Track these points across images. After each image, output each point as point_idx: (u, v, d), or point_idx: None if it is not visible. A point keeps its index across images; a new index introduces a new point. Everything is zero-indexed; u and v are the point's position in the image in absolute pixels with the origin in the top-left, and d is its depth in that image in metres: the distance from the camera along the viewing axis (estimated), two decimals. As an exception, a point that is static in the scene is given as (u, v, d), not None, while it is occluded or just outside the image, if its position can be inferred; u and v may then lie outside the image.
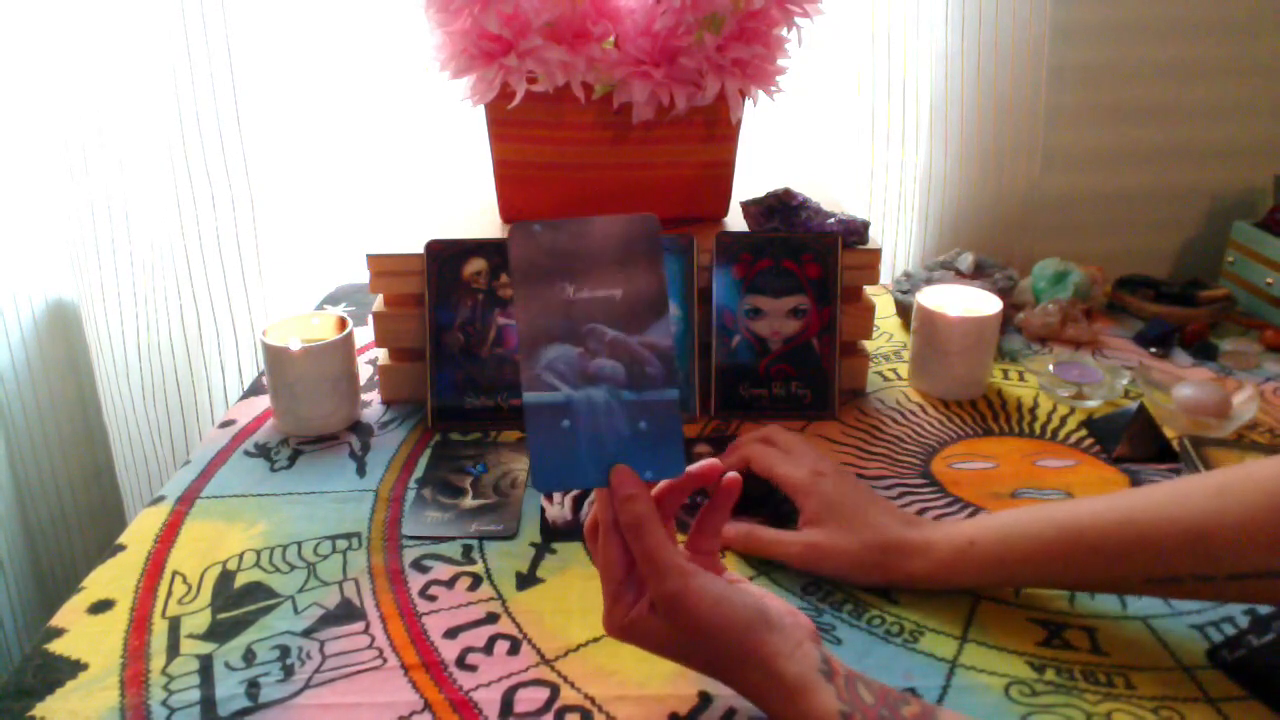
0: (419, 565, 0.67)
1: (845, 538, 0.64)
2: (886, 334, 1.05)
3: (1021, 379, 0.94)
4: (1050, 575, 0.61)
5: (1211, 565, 0.54)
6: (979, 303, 0.90)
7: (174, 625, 0.61)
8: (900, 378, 0.95)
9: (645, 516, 0.49)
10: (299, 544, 0.69)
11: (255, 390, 0.93)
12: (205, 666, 0.57)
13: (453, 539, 0.70)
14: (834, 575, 0.65)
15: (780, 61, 0.85)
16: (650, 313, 0.50)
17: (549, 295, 0.50)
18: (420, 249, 0.83)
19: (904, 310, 1.05)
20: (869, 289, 0.91)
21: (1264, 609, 0.62)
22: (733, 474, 0.54)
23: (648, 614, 0.50)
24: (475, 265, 0.84)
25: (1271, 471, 0.53)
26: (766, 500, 0.71)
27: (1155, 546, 0.55)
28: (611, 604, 0.51)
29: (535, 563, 0.67)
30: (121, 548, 0.69)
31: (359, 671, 0.57)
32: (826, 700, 0.47)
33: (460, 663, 0.58)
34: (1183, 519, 0.55)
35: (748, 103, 0.86)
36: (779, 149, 1.18)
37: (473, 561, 0.67)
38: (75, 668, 0.57)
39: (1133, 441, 0.80)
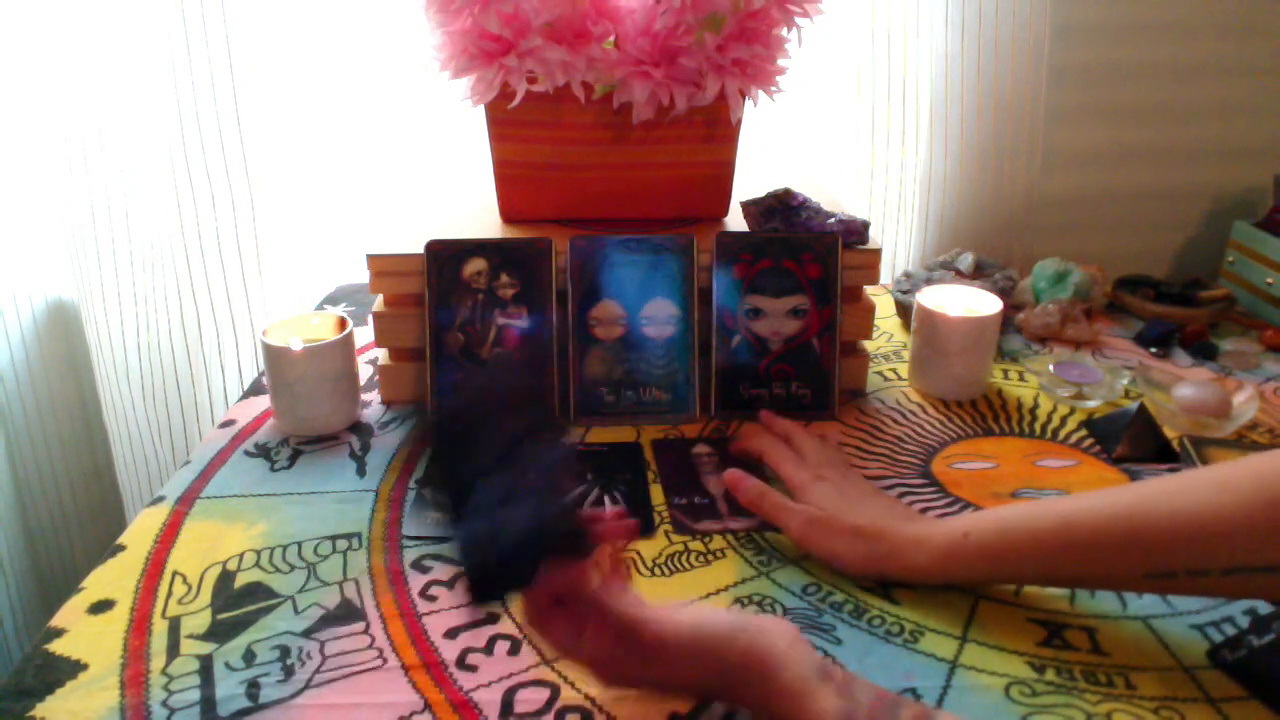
0: (419, 565, 0.67)
1: (842, 519, 0.65)
2: (886, 334, 1.05)
3: (1021, 379, 0.94)
4: (1046, 570, 0.60)
5: (1207, 559, 0.53)
6: (979, 303, 0.90)
7: (174, 625, 0.61)
8: (900, 378, 0.95)
9: (591, 597, 0.52)
10: (299, 544, 0.69)
11: (255, 390, 0.93)
12: (205, 667, 0.57)
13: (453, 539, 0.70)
14: (829, 557, 0.65)
15: (780, 61, 0.84)
16: (552, 437, 0.54)
17: (467, 463, 0.53)
18: (420, 249, 0.83)
19: (904, 310, 1.05)
20: (869, 289, 0.91)
21: (1264, 609, 0.62)
22: (625, 521, 0.57)
23: (635, 662, 0.51)
24: (475, 265, 0.84)
25: (1270, 466, 0.53)
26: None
27: (1152, 540, 0.55)
28: (583, 657, 0.52)
29: (535, 563, 0.67)
30: (121, 548, 0.69)
31: (359, 672, 0.57)
32: (825, 702, 0.47)
33: (460, 663, 0.58)
34: (1181, 513, 0.54)
35: (748, 103, 0.86)
36: (779, 149, 1.18)
37: (473, 561, 0.67)
38: (75, 668, 0.57)
39: (1133, 441, 0.80)
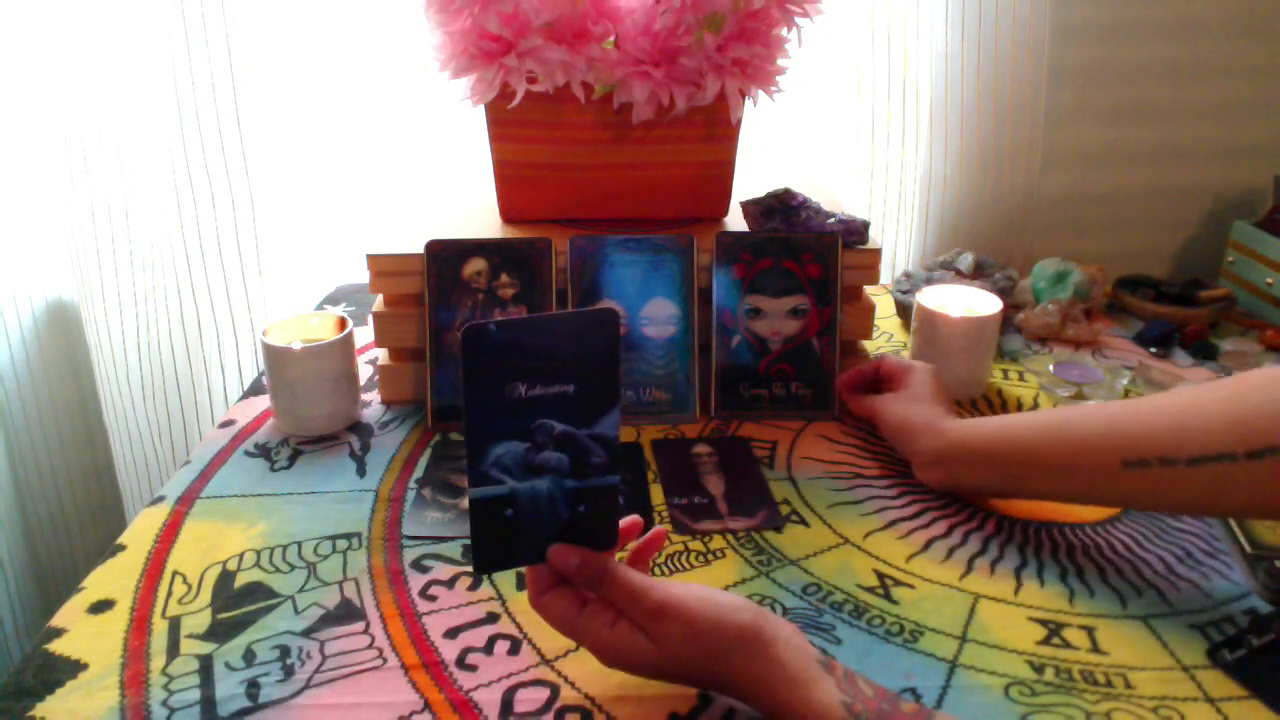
0: (419, 565, 0.67)
1: (895, 409, 0.77)
2: (886, 334, 1.05)
3: (1021, 379, 0.94)
4: (1039, 468, 0.66)
5: (1177, 449, 0.58)
6: (979, 303, 0.90)
7: (174, 625, 0.61)
8: (900, 378, 0.95)
9: (599, 567, 0.52)
10: (299, 544, 0.69)
11: (255, 390, 0.93)
12: (205, 666, 0.57)
13: (453, 539, 0.70)
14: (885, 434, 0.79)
15: (780, 61, 0.85)
16: (601, 407, 0.52)
17: (500, 396, 0.50)
18: (420, 249, 0.83)
19: (904, 310, 1.05)
20: (869, 289, 0.91)
21: (1264, 608, 0.62)
22: (658, 527, 0.59)
23: (634, 634, 0.51)
24: (475, 265, 0.84)
25: (1257, 371, 0.58)
26: None
27: (1132, 428, 0.60)
28: (586, 636, 0.52)
29: (535, 563, 0.67)
30: (121, 548, 0.69)
31: (359, 671, 0.57)
32: (828, 691, 0.47)
33: (460, 663, 0.58)
34: (1162, 404, 0.60)
35: (748, 103, 0.86)
36: (779, 149, 1.18)
37: (473, 561, 0.67)
38: (75, 668, 0.57)
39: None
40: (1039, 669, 0.57)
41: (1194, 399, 0.59)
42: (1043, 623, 0.61)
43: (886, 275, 1.19)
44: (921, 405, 0.76)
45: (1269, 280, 1.07)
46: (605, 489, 0.53)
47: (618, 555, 0.56)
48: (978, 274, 1.05)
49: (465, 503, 0.73)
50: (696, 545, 0.69)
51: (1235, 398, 0.57)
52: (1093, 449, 0.62)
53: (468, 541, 0.69)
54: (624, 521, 0.56)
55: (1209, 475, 0.56)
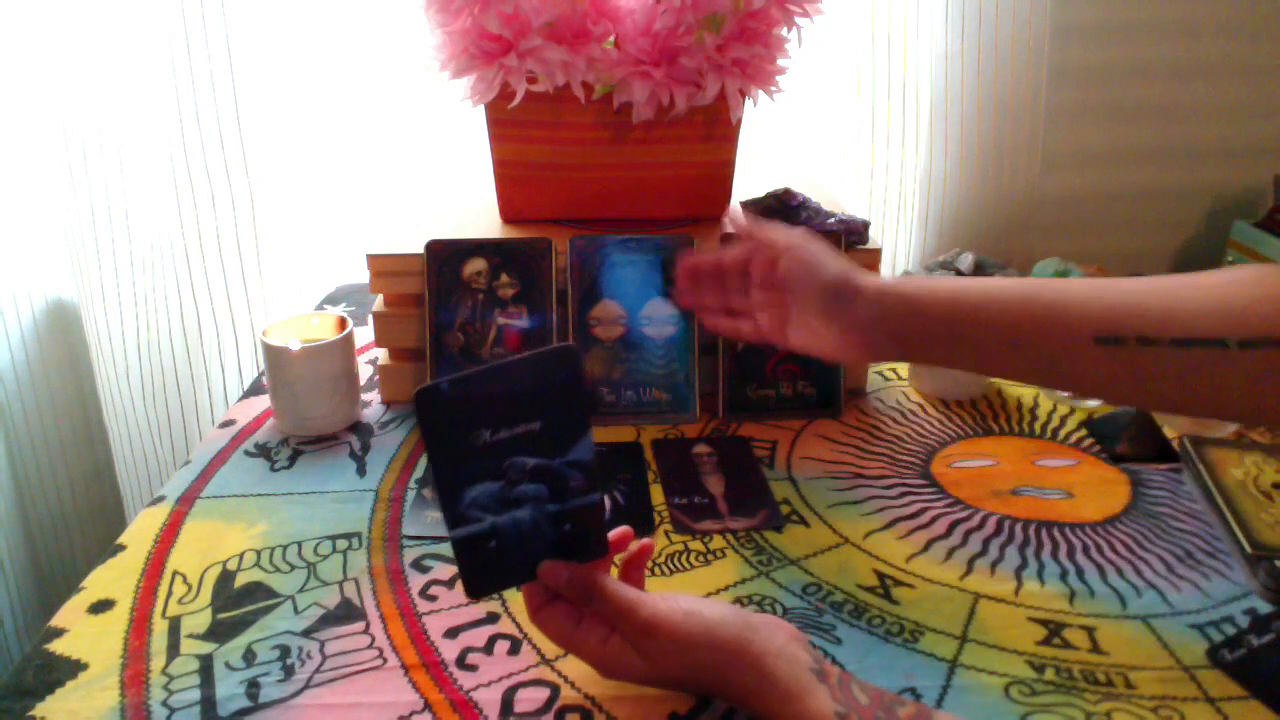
0: (419, 565, 0.67)
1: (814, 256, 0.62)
2: (886, 334, 1.05)
3: (1021, 379, 0.94)
4: (997, 340, 0.57)
5: (1159, 327, 0.52)
6: (979, 303, 0.90)
7: (174, 625, 0.61)
8: (900, 377, 0.95)
9: (590, 582, 0.52)
10: (299, 544, 0.69)
11: (255, 390, 0.93)
12: (205, 666, 0.57)
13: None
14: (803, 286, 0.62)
15: (780, 61, 0.85)
16: (572, 436, 0.52)
17: (465, 445, 0.50)
18: (420, 249, 0.83)
19: (904, 310, 1.05)
20: (869, 289, 0.91)
21: (1264, 608, 0.62)
22: (646, 540, 0.57)
23: (627, 650, 0.51)
24: (475, 265, 0.84)
25: (1256, 267, 0.53)
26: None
27: (1108, 302, 0.54)
28: (583, 649, 0.52)
29: (535, 563, 0.67)
30: (121, 548, 0.69)
31: (359, 671, 0.57)
32: (821, 702, 0.47)
33: (460, 663, 0.58)
34: (1143, 283, 0.54)
35: (748, 103, 0.86)
36: (779, 149, 1.18)
37: (473, 561, 0.67)
38: (75, 668, 0.57)
39: (1133, 441, 0.80)
40: (1039, 669, 0.57)
41: (1183, 280, 0.53)
42: (1043, 623, 0.61)
43: (886, 275, 1.18)
44: (832, 261, 0.62)
45: (1269, 280, 1.07)
46: (589, 506, 0.53)
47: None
48: (977, 274, 1.05)
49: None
50: (696, 545, 0.69)
51: (1232, 284, 0.52)
52: (1060, 320, 0.54)
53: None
54: (614, 534, 0.55)
55: (1193, 361, 0.51)
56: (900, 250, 1.21)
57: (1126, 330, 0.52)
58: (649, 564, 0.66)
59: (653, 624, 0.50)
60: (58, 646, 0.59)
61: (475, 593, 0.54)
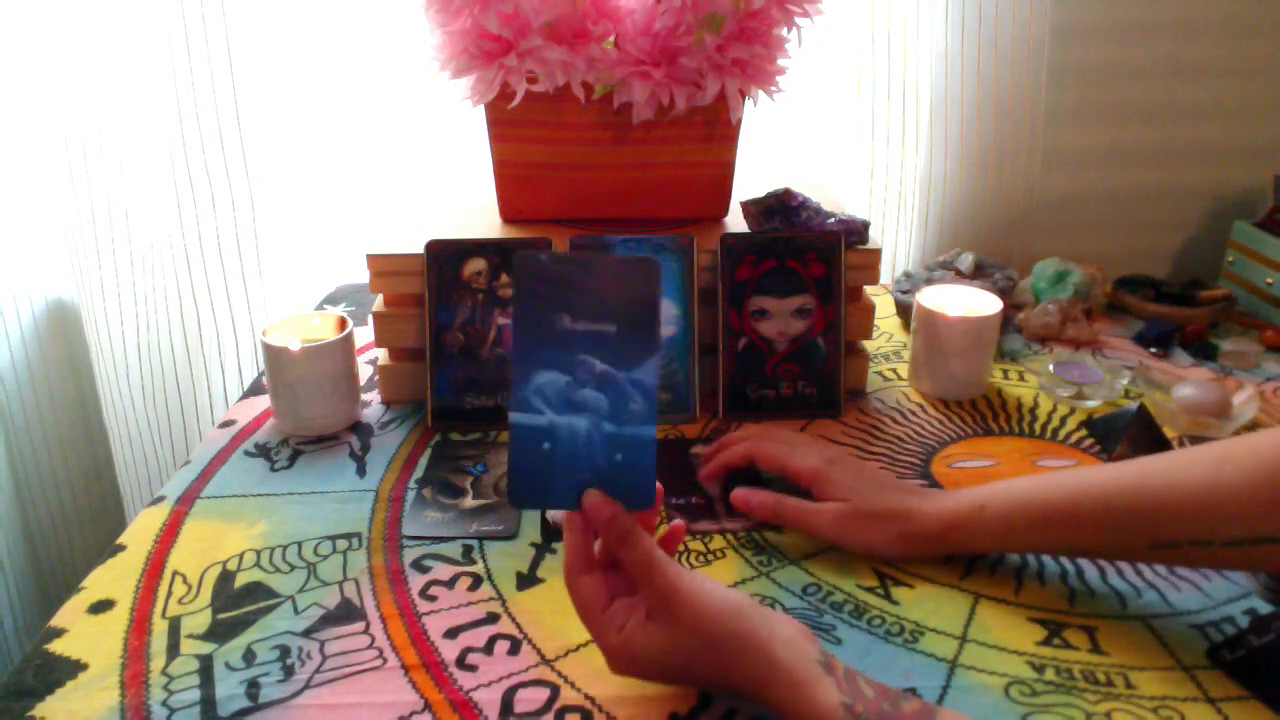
0: (419, 565, 0.67)
1: (872, 505, 0.66)
2: (886, 334, 1.05)
3: (1021, 379, 0.94)
4: (1056, 540, 0.62)
5: (1209, 531, 0.55)
6: (979, 303, 0.90)
7: (174, 625, 0.61)
8: (900, 378, 0.95)
9: (630, 527, 0.52)
10: (299, 544, 0.69)
11: (255, 390, 0.93)
12: (205, 666, 0.57)
13: (453, 539, 0.70)
14: (862, 546, 0.66)
15: (780, 61, 0.85)
16: (641, 352, 0.52)
17: (547, 323, 0.52)
18: (420, 249, 0.83)
19: (904, 310, 1.05)
20: (869, 289, 0.91)
21: (1264, 608, 0.62)
22: (678, 521, 0.58)
23: (644, 624, 0.51)
24: (475, 265, 0.84)
25: (1271, 442, 0.55)
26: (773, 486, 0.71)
27: (1155, 512, 0.57)
28: (602, 634, 0.52)
29: (535, 563, 0.67)
30: (121, 548, 0.69)
31: (359, 671, 0.57)
32: (828, 692, 0.47)
33: (460, 663, 0.58)
34: (1184, 485, 0.56)
35: (748, 103, 0.86)
36: (779, 149, 1.18)
37: (473, 561, 0.67)
38: (75, 668, 0.57)
39: (1133, 441, 0.80)
40: (1039, 669, 0.57)
41: (1217, 475, 0.55)
42: (1043, 623, 0.61)
43: (886, 275, 1.19)
44: (889, 491, 0.67)
45: (1269, 280, 1.07)
46: (642, 440, 0.53)
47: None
48: (977, 274, 1.05)
49: (465, 503, 0.74)
50: (696, 545, 0.69)
51: (1265, 475, 0.54)
52: (1111, 530, 0.59)
53: (468, 542, 0.69)
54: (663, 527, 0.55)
55: (1246, 554, 0.55)
56: (900, 250, 1.21)
57: (1179, 538, 0.57)
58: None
59: (675, 587, 0.50)
60: (58, 646, 0.59)
61: (519, 499, 0.53)
